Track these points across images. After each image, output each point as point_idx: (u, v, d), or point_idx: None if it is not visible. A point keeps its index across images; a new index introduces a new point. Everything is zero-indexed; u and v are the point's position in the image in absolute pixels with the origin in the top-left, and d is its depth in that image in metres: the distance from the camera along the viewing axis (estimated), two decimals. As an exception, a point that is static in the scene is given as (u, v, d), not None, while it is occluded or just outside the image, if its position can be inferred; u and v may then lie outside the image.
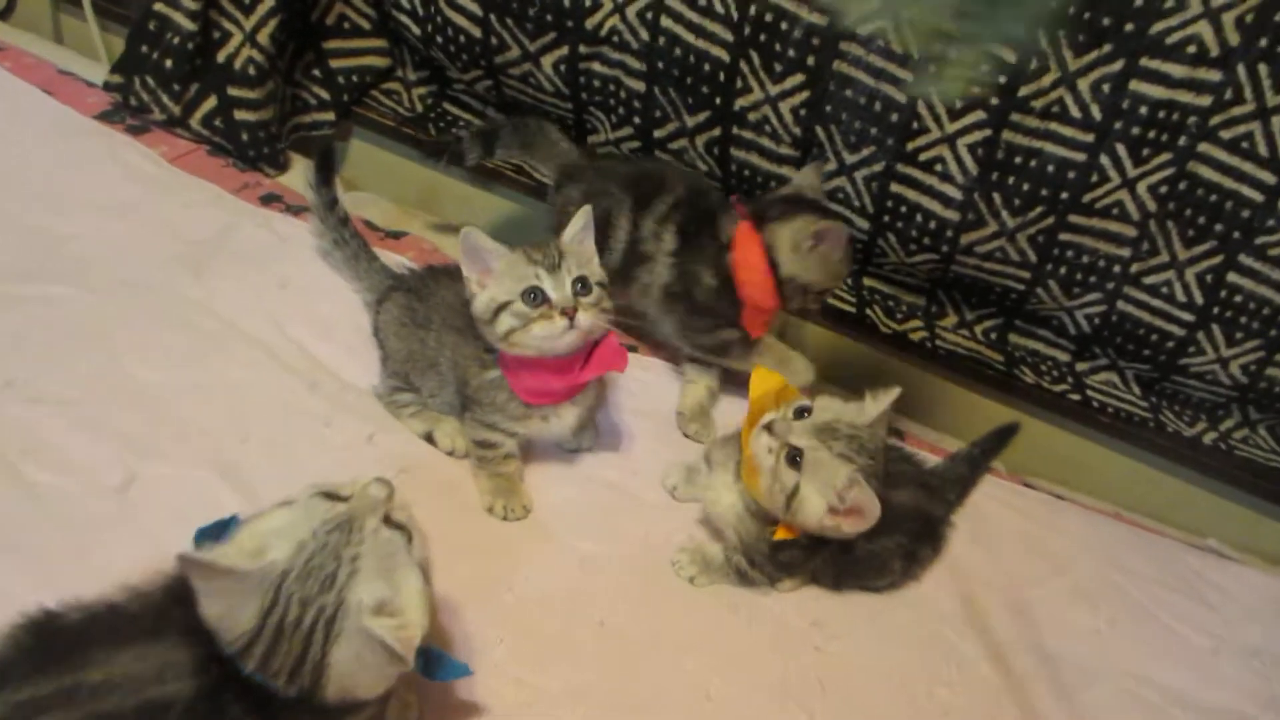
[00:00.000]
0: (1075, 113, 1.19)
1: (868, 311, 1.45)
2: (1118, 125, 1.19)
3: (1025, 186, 1.26)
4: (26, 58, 1.41)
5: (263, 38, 1.34)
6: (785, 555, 0.96)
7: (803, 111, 1.29)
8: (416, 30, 1.44)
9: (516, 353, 0.94)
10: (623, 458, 1.10)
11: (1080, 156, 1.22)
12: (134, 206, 1.20)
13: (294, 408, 1.01)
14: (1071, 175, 1.23)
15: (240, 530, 0.68)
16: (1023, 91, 1.19)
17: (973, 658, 1.00)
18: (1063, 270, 1.33)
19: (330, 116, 1.51)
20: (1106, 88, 1.17)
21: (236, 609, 0.63)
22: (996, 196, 1.28)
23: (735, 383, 1.25)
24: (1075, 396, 1.42)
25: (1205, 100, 1.16)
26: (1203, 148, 1.19)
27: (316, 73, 1.49)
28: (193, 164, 1.33)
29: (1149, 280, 1.32)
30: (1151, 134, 1.19)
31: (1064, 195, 1.26)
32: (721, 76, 1.31)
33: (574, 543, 0.98)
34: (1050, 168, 1.23)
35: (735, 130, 1.35)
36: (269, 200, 1.32)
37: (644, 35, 1.32)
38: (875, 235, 1.38)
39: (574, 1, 1.32)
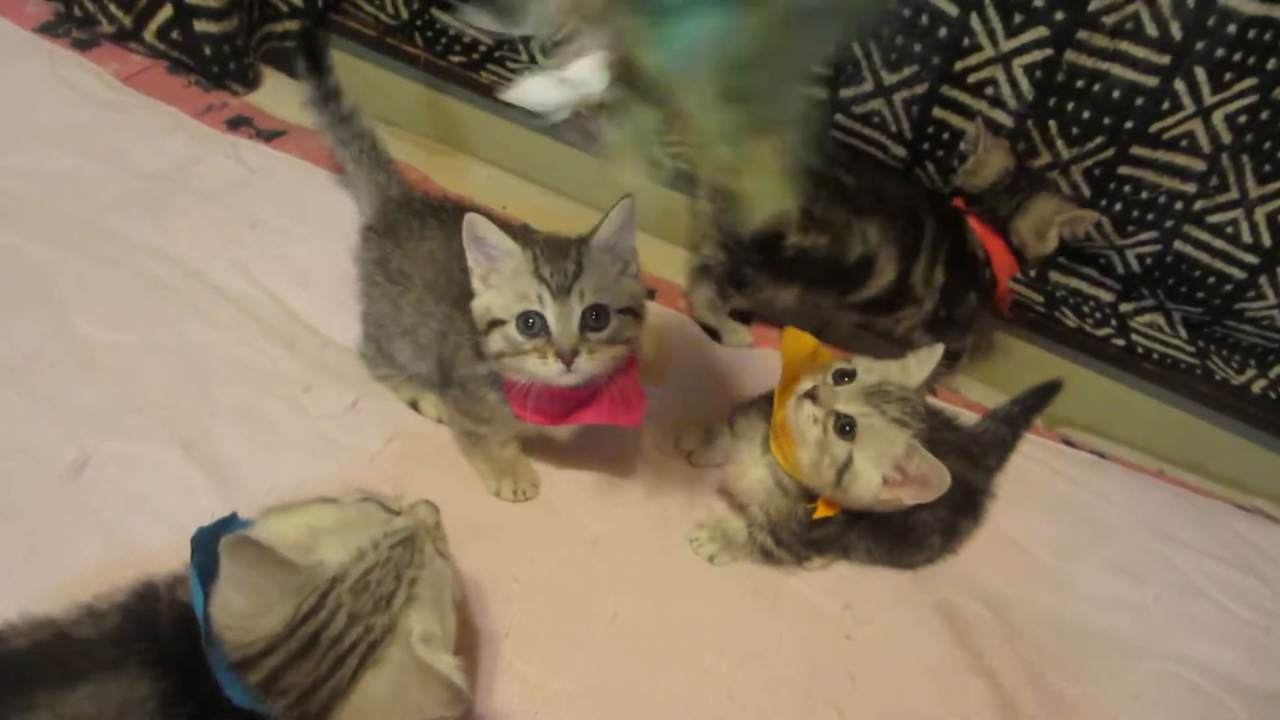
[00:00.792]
0: (1152, 31, 1.05)
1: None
2: (1199, 46, 1.04)
3: (1086, 114, 1.12)
4: (-45, -43, 1.24)
5: (223, -65, 1.17)
6: (818, 533, 0.87)
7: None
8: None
9: (506, 375, 0.79)
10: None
11: (1152, 81, 1.08)
12: (81, 136, 1.06)
13: (268, 372, 0.90)
14: (1139, 102, 1.10)
15: (273, 519, 0.59)
16: (1093, 5, 1.04)
17: (1012, 640, 0.92)
18: (1118, 207, 1.21)
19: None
20: (1191, 2, 1.02)
21: (265, 609, 0.54)
22: (1052, 124, 1.15)
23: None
24: (1119, 341, 1.32)
25: (1304, 16, 1.01)
26: (1296, 76, 1.06)
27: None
28: (149, 83, 1.18)
29: (1213, 219, 1.20)
30: (1237, 56, 1.05)
31: (1128, 124, 1.12)
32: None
33: (585, 521, 0.88)
34: (1116, 93, 1.10)
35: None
36: (237, 125, 1.18)
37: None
38: (912, 163, 1.25)
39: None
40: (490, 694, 0.75)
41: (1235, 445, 1.34)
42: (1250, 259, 1.21)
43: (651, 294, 1.18)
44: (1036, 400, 1.15)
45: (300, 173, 1.12)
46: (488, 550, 0.83)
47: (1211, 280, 1.25)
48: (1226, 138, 1.11)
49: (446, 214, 0.92)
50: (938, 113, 1.17)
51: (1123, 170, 1.17)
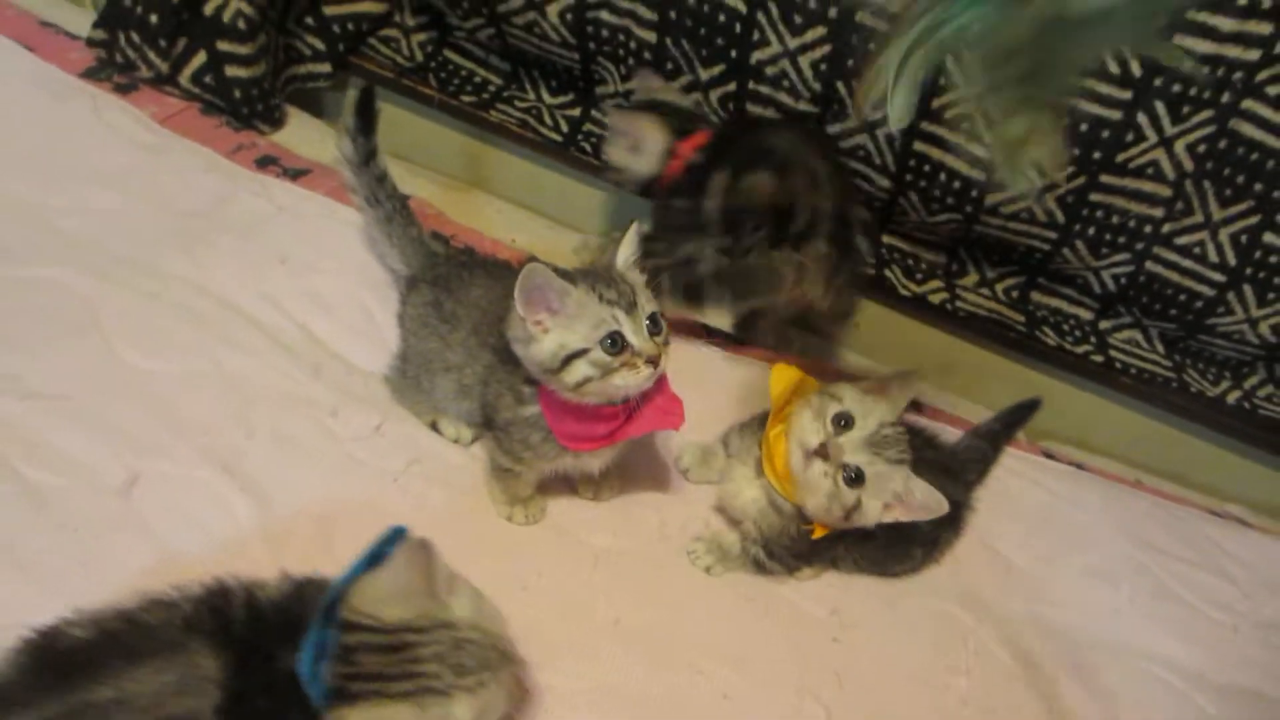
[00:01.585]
0: (1114, 68, 1.13)
1: (886, 273, 1.41)
2: (1158, 82, 1.12)
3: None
4: (5, 8, 1.33)
5: (251, -12, 1.26)
6: (808, 547, 0.94)
7: (823, 66, 1.22)
8: (414, -25, 1.36)
9: (586, 401, 0.84)
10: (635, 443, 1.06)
11: (1116, 114, 1.16)
12: (124, 176, 1.14)
13: (297, 397, 0.98)
14: (1106, 134, 1.17)
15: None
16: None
17: (990, 643, 0.99)
18: (1091, 231, 1.28)
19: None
20: (1150, 42, 1.09)
21: (394, 603, 0.64)
22: (1026, 156, 1.22)
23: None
24: (1098, 358, 1.38)
25: (1254, 54, 1.09)
26: (1246, 104, 1.13)
27: (310, 21, 1.41)
28: (184, 124, 1.27)
29: (1181, 241, 1.27)
30: (1193, 91, 1.12)
31: (1096, 155, 1.20)
32: (737, 28, 1.23)
33: (587, 538, 0.95)
34: (1084, 126, 1.17)
35: (752, 85, 1.28)
36: (265, 164, 1.26)
37: (656, -18, 1.24)
38: (896, 194, 1.33)
39: (580, -54, 1.23)
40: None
41: (1211, 454, 1.41)
42: (1218, 277, 1.28)
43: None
44: (1016, 417, 1.22)
45: (324, 209, 1.20)
46: (498, 563, 0.89)
47: (1183, 298, 1.32)
48: (1188, 165, 1.18)
49: (493, 269, 1.01)
50: (918, 146, 1.25)
51: (1094, 197, 1.24)
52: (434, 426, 1.02)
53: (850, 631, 0.95)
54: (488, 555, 0.85)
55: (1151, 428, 1.41)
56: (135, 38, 1.27)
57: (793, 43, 1.21)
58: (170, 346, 0.98)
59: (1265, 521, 1.32)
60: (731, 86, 1.29)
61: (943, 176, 1.26)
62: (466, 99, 1.44)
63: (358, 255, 1.15)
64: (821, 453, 0.86)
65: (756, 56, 1.25)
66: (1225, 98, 1.13)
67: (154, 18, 1.25)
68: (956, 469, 1.05)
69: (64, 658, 0.64)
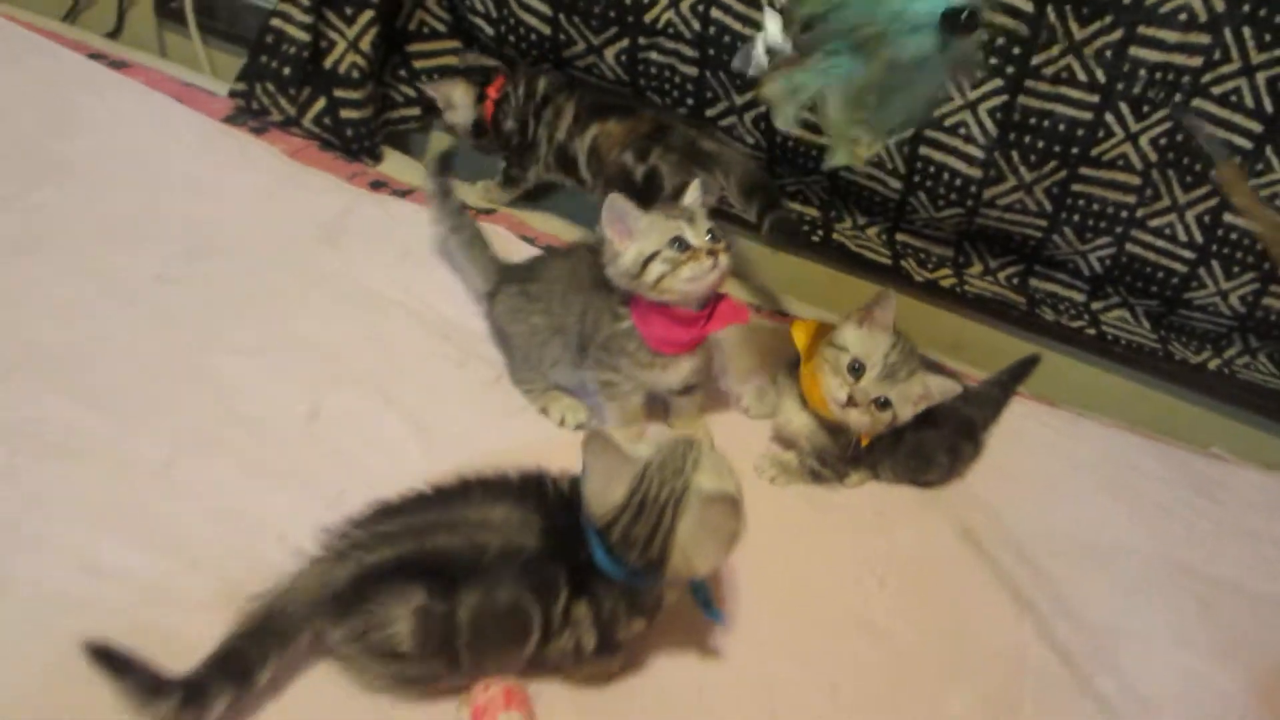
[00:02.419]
0: (1082, 77, 1.36)
1: (902, 263, 1.63)
2: (1119, 86, 1.36)
3: (1040, 144, 1.43)
4: (151, 73, 1.60)
5: (364, 45, 1.53)
6: (854, 453, 1.16)
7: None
8: (490, 31, 1.62)
9: (664, 299, 1.07)
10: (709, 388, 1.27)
11: (1087, 115, 1.39)
12: (269, 194, 1.40)
13: (432, 352, 1.22)
14: (1080, 132, 1.40)
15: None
16: (1035, 61, 1.36)
17: (1009, 540, 1.19)
18: (1076, 218, 1.50)
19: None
20: (1109, 54, 1.34)
21: (613, 486, 0.82)
22: (1014, 154, 1.45)
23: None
24: (1091, 331, 1.59)
25: (1196, 61, 1.32)
26: (1197, 103, 1.36)
27: (403, 73, 1.68)
28: (308, 157, 1.53)
29: (1153, 223, 1.48)
30: (1150, 92, 1.36)
31: (1074, 150, 1.42)
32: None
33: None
34: (1061, 126, 1.40)
35: (781, 107, 1.53)
36: (377, 186, 1.52)
37: (696, 26, 1.49)
38: (906, 194, 1.56)
39: (634, -1, 1.50)
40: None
41: (1196, 413, 1.60)
42: (1189, 255, 1.49)
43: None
44: (1019, 370, 1.43)
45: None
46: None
47: (1160, 275, 1.53)
48: (1153, 157, 1.41)
49: (563, 250, 1.27)
50: (923, 150, 1.48)
51: (1075, 187, 1.47)
52: (544, 411, 1.21)
53: (894, 525, 1.16)
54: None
55: (1140, 391, 1.61)
56: (270, 88, 1.54)
57: (757, 54, 1.46)
58: (332, 316, 1.23)
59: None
60: (763, 109, 1.54)
61: (946, 176, 1.49)
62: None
63: None
64: (851, 403, 1.10)
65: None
66: (1178, 98, 1.37)
67: (286, 70, 1.52)
68: (970, 397, 1.27)
69: (442, 493, 0.87)
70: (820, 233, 1.64)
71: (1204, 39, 1.31)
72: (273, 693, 0.82)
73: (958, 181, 1.49)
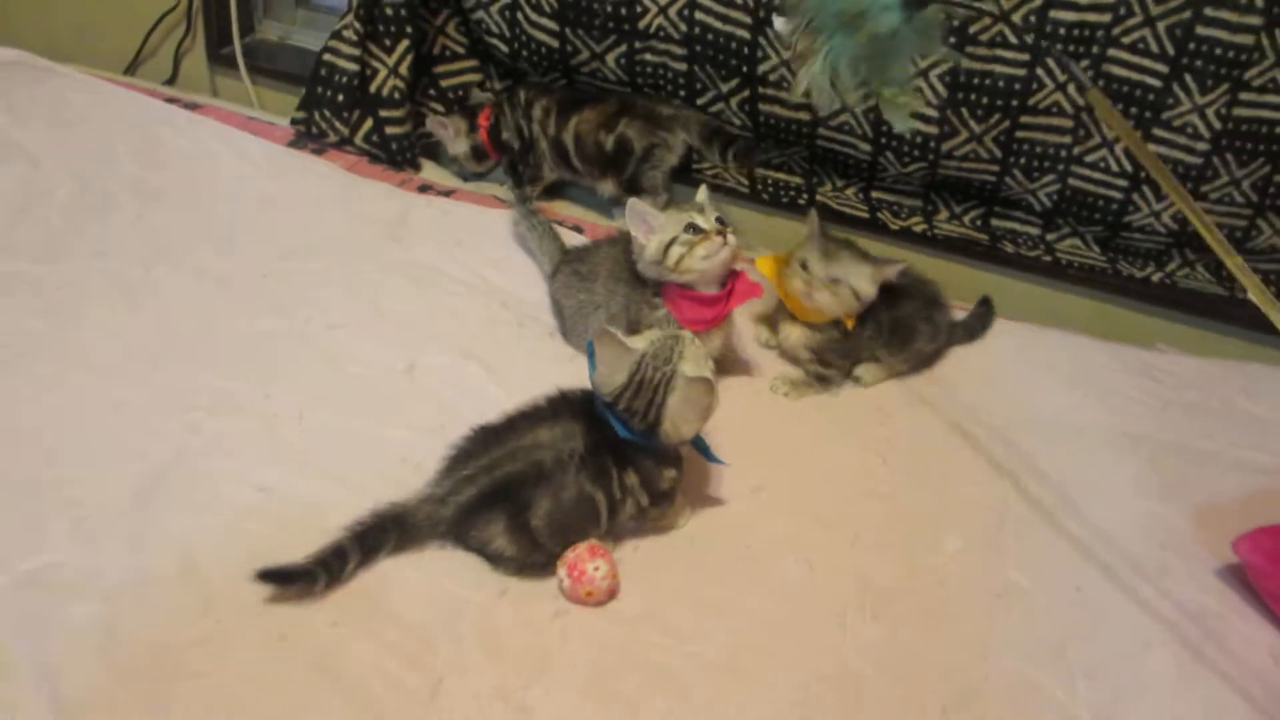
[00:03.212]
0: (1013, 39, 1.61)
1: (878, 215, 1.88)
2: (1044, 44, 1.61)
3: (984, 100, 1.67)
4: (219, 111, 1.86)
5: (403, 69, 1.79)
6: (849, 344, 1.44)
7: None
8: (505, 49, 1.87)
9: (686, 280, 1.31)
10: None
11: (1022, 72, 1.64)
12: (338, 202, 1.65)
13: (494, 317, 1.47)
14: (1018, 86, 1.65)
15: None
16: (972, 30, 1.62)
17: (992, 427, 1.43)
18: (1023, 160, 1.74)
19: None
20: (1033, 18, 1.59)
21: (616, 371, 1.08)
22: (964, 110, 1.69)
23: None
24: (1048, 259, 1.84)
25: (1106, 17, 1.57)
26: (1111, 52, 1.60)
27: (431, 92, 1.93)
28: (363, 170, 1.78)
29: (1089, 158, 1.72)
30: (1072, 47, 1.61)
31: (1014, 102, 1.67)
32: (745, 50, 1.73)
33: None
34: (1001, 83, 1.65)
35: (760, 90, 1.77)
36: (424, 189, 1.77)
37: (683, 28, 1.74)
38: (876, 154, 1.81)
39: (628, 9, 1.74)
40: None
41: (1142, 320, 1.84)
42: (1122, 183, 1.73)
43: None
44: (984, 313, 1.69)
45: (475, 213, 1.72)
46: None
47: (1101, 203, 1.77)
48: (1081, 101, 1.67)
49: (609, 240, 1.52)
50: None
51: (1019, 134, 1.71)
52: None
53: (890, 418, 1.42)
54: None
55: (1096, 306, 1.84)
56: (326, 113, 1.79)
57: (787, 55, 1.72)
58: (408, 295, 1.48)
59: (1185, 356, 1.76)
60: (746, 94, 1.79)
61: (908, 134, 1.75)
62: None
63: (506, 238, 1.66)
64: (810, 285, 1.39)
65: (762, 68, 1.74)
66: (1095, 49, 1.62)
67: (340, 97, 1.78)
68: (938, 297, 1.56)
69: (494, 430, 1.13)
70: (805, 197, 1.89)
71: (1110, -2, 1.56)
72: (423, 563, 1.06)
73: (918, 139, 1.74)
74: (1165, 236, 1.79)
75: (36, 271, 1.39)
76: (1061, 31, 1.60)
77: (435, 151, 1.99)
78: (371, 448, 1.21)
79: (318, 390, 1.28)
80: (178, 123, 1.77)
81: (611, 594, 1.08)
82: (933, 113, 1.70)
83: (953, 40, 1.62)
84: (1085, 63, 1.62)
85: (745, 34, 1.71)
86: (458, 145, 1.83)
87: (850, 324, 1.42)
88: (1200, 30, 1.54)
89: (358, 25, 1.74)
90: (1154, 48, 1.59)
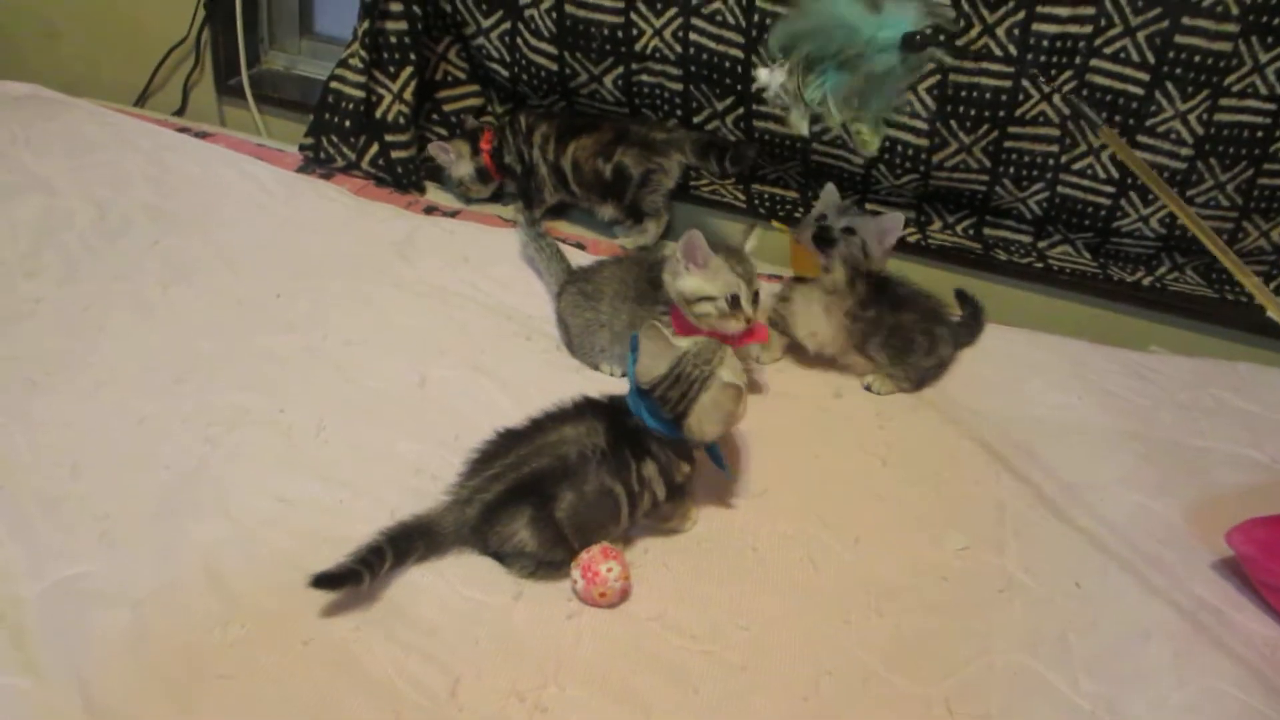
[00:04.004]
0: (998, 51, 1.66)
1: (874, 226, 1.92)
2: (1029, 55, 1.66)
3: (972, 111, 1.72)
4: (228, 139, 1.91)
5: (407, 95, 1.84)
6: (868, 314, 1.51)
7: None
8: (505, 74, 1.93)
9: (700, 325, 1.36)
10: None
11: (1007, 83, 1.69)
12: (347, 224, 1.70)
13: (502, 331, 1.51)
14: (1004, 98, 1.70)
15: None
16: (959, 43, 1.67)
17: (989, 427, 1.47)
18: (1011, 170, 1.79)
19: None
20: (1016, 31, 1.64)
21: (658, 363, 1.14)
22: (953, 123, 1.74)
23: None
24: (1040, 266, 1.88)
25: (1087, 29, 1.63)
26: (1094, 62, 1.65)
27: (435, 117, 1.98)
28: (370, 194, 1.83)
29: (1076, 166, 1.77)
30: (1055, 58, 1.66)
31: (1001, 113, 1.72)
32: (739, 69, 1.79)
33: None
34: (988, 95, 1.70)
35: (755, 107, 1.83)
36: (430, 210, 1.82)
37: (678, 49, 1.80)
38: (869, 168, 1.86)
39: (625, 32, 1.80)
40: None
41: (1134, 324, 1.87)
42: (1109, 189, 1.77)
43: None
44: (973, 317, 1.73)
45: (480, 231, 1.76)
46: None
47: (1090, 210, 1.81)
48: (1066, 110, 1.72)
49: (615, 261, 1.57)
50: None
51: (1007, 144, 1.75)
52: (596, 368, 1.51)
53: (889, 422, 1.45)
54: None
55: (1088, 311, 1.88)
56: (334, 139, 1.84)
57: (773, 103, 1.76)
58: (418, 310, 1.53)
59: (1176, 357, 1.79)
60: (740, 111, 1.84)
61: (899, 147, 1.79)
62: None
63: (512, 255, 1.71)
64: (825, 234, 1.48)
65: (755, 85, 1.79)
66: (1078, 60, 1.67)
67: (347, 123, 1.83)
68: (939, 311, 1.60)
69: (519, 432, 1.18)
70: (801, 210, 1.93)
71: (1090, 10, 1.61)
72: (438, 568, 1.10)
73: (909, 151, 1.79)
74: (1154, 241, 1.83)
75: (59, 294, 1.44)
76: (1045, 44, 1.65)
77: (440, 175, 2.04)
78: (387, 459, 1.24)
79: (333, 404, 1.32)
80: (188, 150, 1.82)
81: (624, 595, 1.11)
82: (923, 125, 1.75)
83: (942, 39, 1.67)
84: (1068, 73, 1.68)
85: (738, 53, 1.76)
86: (461, 169, 1.87)
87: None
88: (1179, 39, 1.59)
89: (363, 53, 1.79)
90: (1135, 57, 1.64)
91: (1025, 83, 1.69)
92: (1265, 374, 1.67)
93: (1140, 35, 1.63)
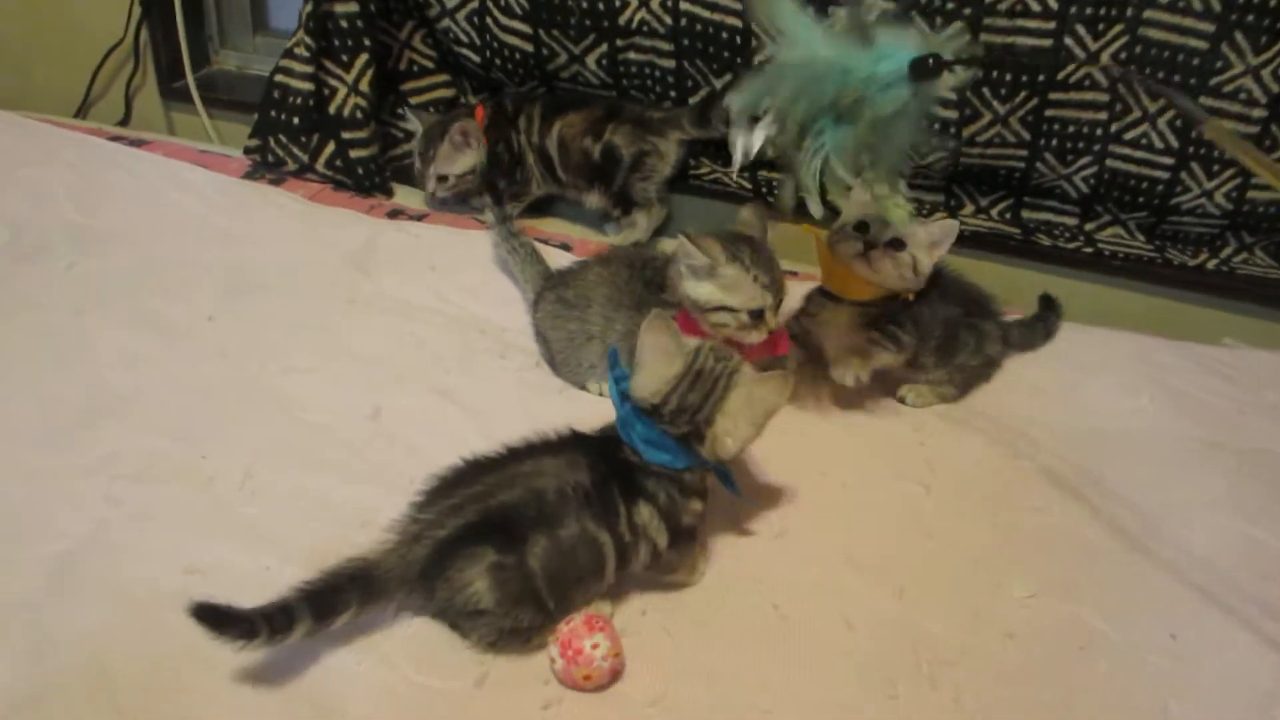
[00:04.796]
0: (1036, 6, 1.45)
1: (900, 215, 1.70)
2: (1073, 9, 1.44)
3: (1008, 76, 1.51)
4: (168, 146, 1.72)
5: (364, 86, 1.63)
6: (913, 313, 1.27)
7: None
8: (476, 58, 1.72)
9: (714, 334, 1.16)
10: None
11: (1047, 42, 1.47)
12: (297, 234, 1.50)
13: (473, 347, 1.31)
14: (1044, 59, 1.49)
15: None
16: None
17: (1042, 441, 1.25)
18: (1054, 142, 1.57)
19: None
20: (1061, -15, 1.42)
21: (669, 363, 0.95)
22: (986, 90, 1.53)
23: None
24: (1088, 250, 1.66)
25: (1140, -27, 1.41)
26: (1148, 13, 1.44)
27: (400, 111, 1.78)
28: (326, 199, 1.63)
29: (1129, 135, 1.55)
30: (1103, 10, 1.44)
31: (1041, 78, 1.50)
32: (738, 41, 1.58)
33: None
34: (1024, 57, 1.49)
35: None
36: (395, 214, 1.62)
37: (668, 20, 1.59)
38: (891, 147, 1.64)
39: (606, 5, 1.59)
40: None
41: (1202, 314, 1.66)
42: (1168, 160, 1.56)
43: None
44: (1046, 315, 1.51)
45: (450, 235, 1.56)
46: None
47: (1145, 185, 1.59)
48: (1116, 71, 1.49)
49: (602, 259, 1.34)
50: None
51: (1049, 113, 1.54)
52: (583, 387, 1.30)
53: (932, 438, 1.24)
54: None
55: (1146, 300, 1.67)
56: (282, 139, 1.64)
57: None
58: (375, 329, 1.33)
59: (1254, 348, 1.56)
60: (742, 90, 1.63)
61: (924, 122, 1.57)
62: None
63: (484, 261, 1.50)
64: (870, 246, 1.20)
65: (757, 60, 1.58)
66: (1129, 11, 1.45)
67: (295, 120, 1.62)
68: (985, 303, 1.38)
69: (491, 459, 0.96)
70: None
71: (1143, -49, 1.40)
72: (380, 648, 0.88)
73: (936, 125, 1.57)
74: (1219, 219, 1.61)
75: (-49, 330, 1.23)
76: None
77: (407, 175, 1.83)
78: (325, 510, 1.03)
79: (266, 445, 1.11)
80: (122, 161, 1.62)
81: (615, 674, 0.90)
82: (951, 95, 1.53)
83: (968, 11, 1.46)
84: (1119, 27, 1.45)
85: (737, 21, 1.55)
86: (469, 160, 1.63)
87: (910, 294, 1.24)
88: (1251, -21, 1.37)
89: (309, 41, 1.59)
90: (1197, 4, 1.42)
91: (1069, 41, 1.47)
92: (1364, 366, 1.44)
93: (1201, -23, 1.40)
